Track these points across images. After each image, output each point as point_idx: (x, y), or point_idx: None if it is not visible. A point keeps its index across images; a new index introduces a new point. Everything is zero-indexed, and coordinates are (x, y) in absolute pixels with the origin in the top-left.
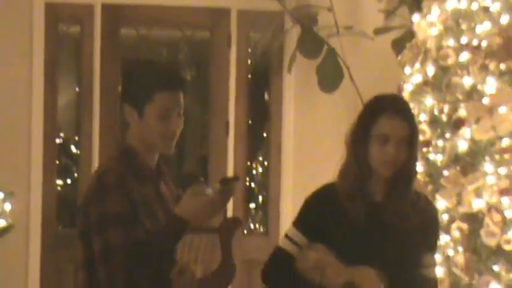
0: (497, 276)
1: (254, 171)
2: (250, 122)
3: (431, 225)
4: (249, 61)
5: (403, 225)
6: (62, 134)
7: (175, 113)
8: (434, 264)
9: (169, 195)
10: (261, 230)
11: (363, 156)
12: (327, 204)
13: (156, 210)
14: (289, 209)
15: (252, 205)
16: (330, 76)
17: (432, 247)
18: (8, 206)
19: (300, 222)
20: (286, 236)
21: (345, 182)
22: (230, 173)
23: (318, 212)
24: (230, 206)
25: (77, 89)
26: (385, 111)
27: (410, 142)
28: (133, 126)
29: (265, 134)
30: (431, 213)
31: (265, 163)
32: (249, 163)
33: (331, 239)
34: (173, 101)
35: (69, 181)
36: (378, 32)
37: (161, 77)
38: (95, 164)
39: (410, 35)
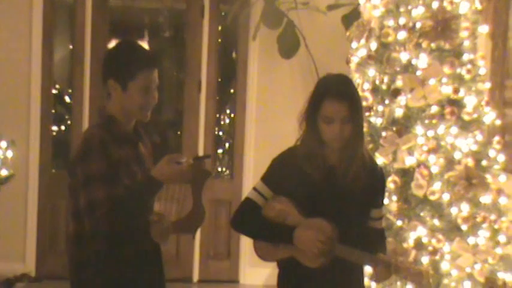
0: (423, 221)
1: (222, 122)
2: (219, 80)
3: (379, 184)
4: (219, 27)
5: (353, 184)
6: (57, 86)
7: (152, 87)
8: (381, 217)
9: (147, 154)
10: (227, 172)
11: (315, 132)
12: (289, 165)
13: (135, 169)
14: (251, 155)
15: (220, 151)
16: (289, 44)
17: (380, 203)
18: (9, 154)
19: (267, 178)
20: (255, 188)
21: (304, 147)
22: (201, 124)
23: (282, 170)
24: (202, 151)
25: (70, 46)
26: (328, 95)
27: (351, 119)
28: (116, 98)
29: (232, 91)
30: (378, 173)
31: (232, 115)
32: (218, 115)
33: (294, 194)
34: (152, 79)
35: (63, 128)
36: (330, 8)
37: (143, 58)
38: (86, 112)
39: (357, 12)
